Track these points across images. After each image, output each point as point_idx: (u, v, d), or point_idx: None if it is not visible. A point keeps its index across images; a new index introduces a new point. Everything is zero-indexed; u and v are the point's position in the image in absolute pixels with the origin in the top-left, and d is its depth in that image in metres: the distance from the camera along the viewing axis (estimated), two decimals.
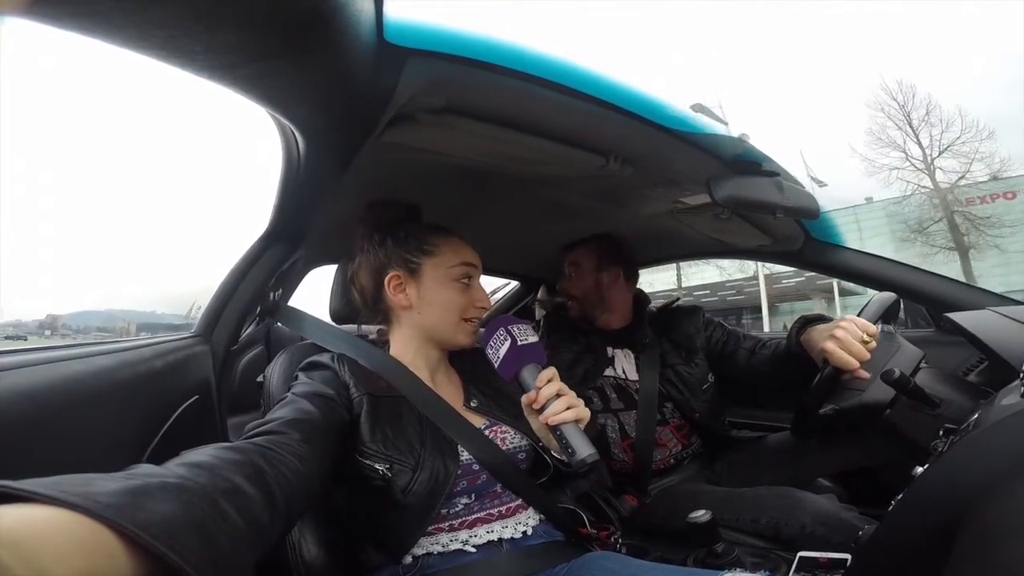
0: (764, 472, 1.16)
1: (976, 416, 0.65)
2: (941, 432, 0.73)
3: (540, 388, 0.73)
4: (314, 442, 0.62)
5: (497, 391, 0.91)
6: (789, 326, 1.15)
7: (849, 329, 0.92)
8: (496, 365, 0.77)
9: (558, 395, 0.72)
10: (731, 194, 0.94)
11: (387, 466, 0.72)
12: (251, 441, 0.56)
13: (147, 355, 0.80)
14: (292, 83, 0.55)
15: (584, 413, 0.72)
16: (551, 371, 0.75)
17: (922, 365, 0.90)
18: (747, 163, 0.93)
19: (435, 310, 0.84)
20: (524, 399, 0.75)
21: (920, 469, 0.64)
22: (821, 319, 1.06)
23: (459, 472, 0.76)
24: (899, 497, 0.63)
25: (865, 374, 0.89)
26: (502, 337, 0.77)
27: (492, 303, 2.32)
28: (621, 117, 0.79)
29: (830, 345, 0.92)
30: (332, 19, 0.46)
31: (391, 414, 0.77)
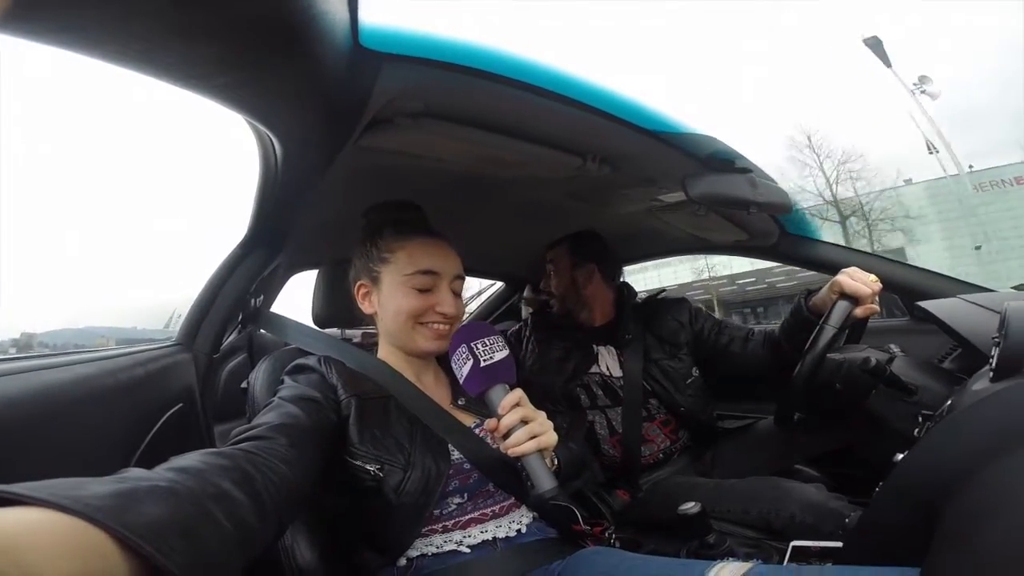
0: (752, 460, 1.19)
1: (949, 402, 0.68)
2: (920, 418, 0.75)
3: (503, 416, 0.68)
4: (301, 446, 0.62)
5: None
6: None
7: (857, 271, 0.99)
8: (461, 382, 0.74)
9: (524, 422, 0.68)
10: (705, 191, 0.96)
11: (377, 467, 0.72)
12: (238, 447, 0.56)
13: (128, 363, 0.79)
14: (269, 91, 0.55)
15: (549, 440, 0.68)
16: (516, 395, 0.70)
17: (897, 353, 0.94)
18: (720, 161, 0.95)
19: (390, 315, 0.84)
20: (486, 424, 0.72)
21: (900, 456, 0.66)
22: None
23: (450, 471, 0.76)
24: (881, 483, 0.65)
25: (876, 308, 0.97)
26: (464, 355, 0.72)
27: (469, 305, 2.33)
28: (597, 118, 0.80)
29: (842, 277, 0.98)
30: (307, 26, 0.46)
31: (380, 415, 0.77)
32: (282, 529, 0.55)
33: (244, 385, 0.93)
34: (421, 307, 0.82)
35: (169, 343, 0.98)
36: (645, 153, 0.95)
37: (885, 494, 0.63)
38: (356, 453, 0.73)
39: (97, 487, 0.36)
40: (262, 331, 1.13)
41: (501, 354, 0.73)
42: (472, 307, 2.33)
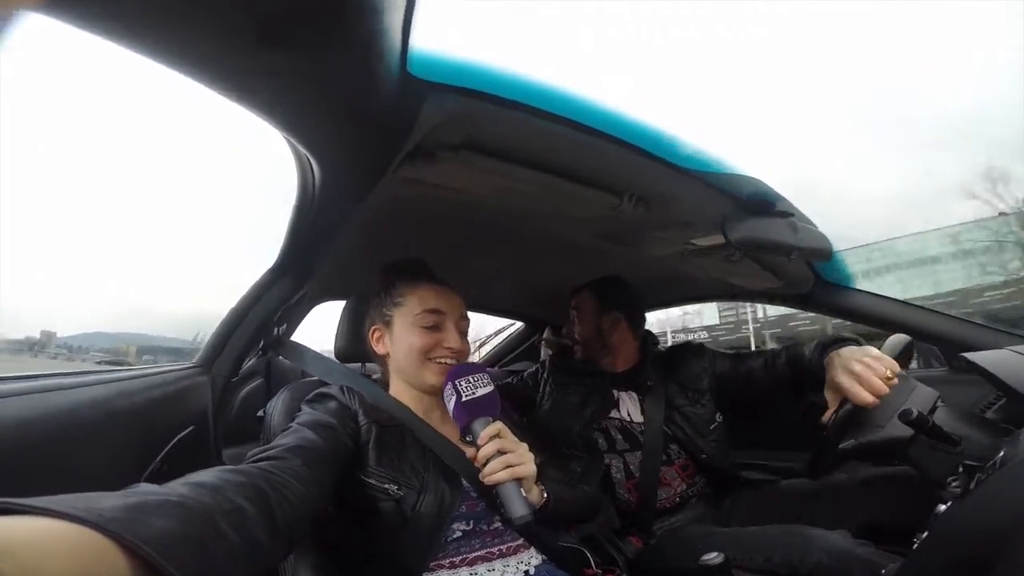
0: (774, 517, 1.12)
1: (1002, 453, 0.65)
2: (961, 469, 0.72)
3: (481, 446, 0.74)
4: (316, 468, 0.64)
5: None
6: None
7: (872, 365, 0.90)
8: (450, 416, 0.79)
9: (501, 452, 0.73)
10: (746, 235, 0.93)
11: (395, 487, 0.75)
12: (255, 465, 0.58)
13: (146, 385, 0.80)
14: (315, 109, 0.55)
15: (525, 472, 0.73)
16: (495, 427, 0.75)
17: (938, 404, 0.90)
18: (761, 203, 0.93)
19: (402, 353, 0.89)
20: (468, 454, 0.78)
21: (943, 507, 0.65)
22: (844, 341, 1.02)
23: (460, 496, 0.79)
24: (924, 534, 0.63)
25: (873, 399, 0.88)
26: (449, 391, 0.78)
27: (486, 345, 2.30)
28: (638, 156, 0.79)
29: (846, 381, 0.90)
30: (359, 49, 0.47)
31: (397, 442, 0.81)
32: (292, 546, 0.56)
33: (260, 414, 0.94)
34: (430, 343, 0.88)
35: (189, 365, 0.99)
36: (683, 193, 0.93)
37: (930, 545, 0.62)
38: (372, 473, 0.76)
39: (108, 500, 0.37)
40: (281, 358, 1.13)
41: (484, 390, 0.79)
42: (487, 348, 2.30)
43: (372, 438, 0.79)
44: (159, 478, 0.67)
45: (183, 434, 0.86)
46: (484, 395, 0.78)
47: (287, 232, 0.93)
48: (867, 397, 0.87)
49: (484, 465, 0.73)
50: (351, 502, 0.75)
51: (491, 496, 0.78)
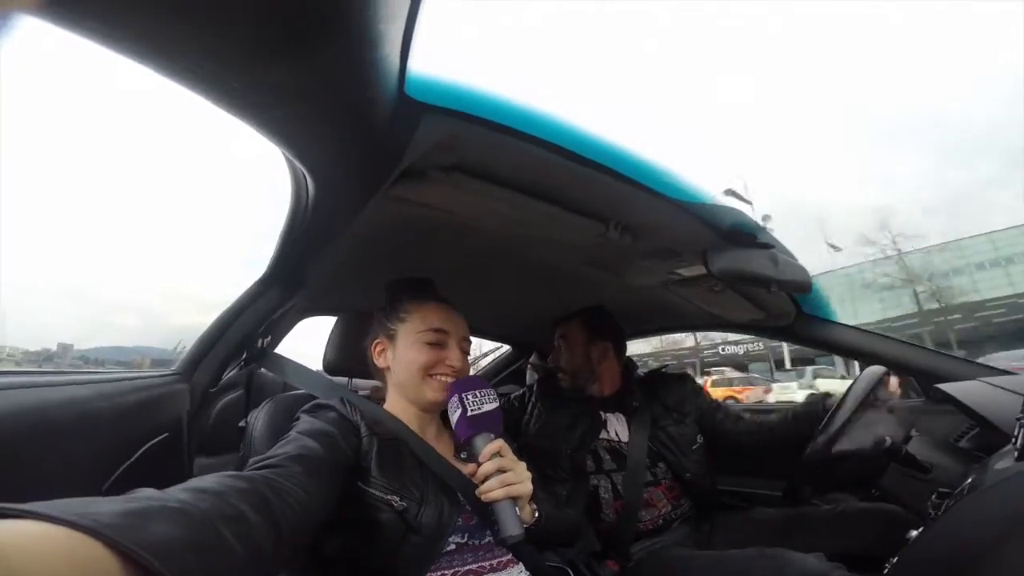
0: (752, 541, 1.12)
1: (970, 480, 0.68)
2: (934, 496, 0.75)
3: (481, 463, 0.74)
4: (318, 476, 0.64)
5: None
6: None
7: None
8: (453, 427, 0.80)
9: (501, 470, 0.73)
10: (727, 266, 0.96)
11: (397, 498, 0.75)
12: (258, 472, 0.58)
13: (124, 389, 0.79)
14: (312, 126, 0.57)
15: (520, 491, 0.73)
16: (497, 445, 0.76)
17: (913, 433, 0.93)
18: (743, 235, 0.96)
19: (403, 367, 0.89)
20: (467, 470, 0.79)
21: (915, 533, 0.66)
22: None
23: (459, 510, 0.80)
24: (895, 560, 0.65)
25: None
26: (455, 405, 0.78)
27: (476, 364, 2.29)
28: (624, 184, 0.82)
29: None
30: (359, 65, 0.48)
31: (396, 455, 0.81)
32: (295, 554, 0.56)
33: (242, 424, 0.93)
34: (432, 360, 0.88)
35: (168, 372, 0.98)
36: (667, 223, 0.96)
37: (900, 570, 0.63)
38: (375, 483, 0.76)
39: (106, 505, 0.36)
40: (263, 371, 1.12)
41: (489, 406, 0.79)
42: (475, 368, 2.29)
43: (374, 450, 0.79)
44: (126, 482, 0.66)
45: (155, 440, 0.85)
46: (489, 411, 0.79)
47: (278, 243, 0.93)
48: None
49: (482, 481, 0.73)
50: (350, 513, 0.74)
51: (484, 512, 0.78)
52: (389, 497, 0.75)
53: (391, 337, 0.92)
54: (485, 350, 2.30)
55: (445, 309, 0.93)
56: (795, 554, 0.93)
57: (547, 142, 0.73)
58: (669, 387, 1.42)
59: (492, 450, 0.75)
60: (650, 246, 1.08)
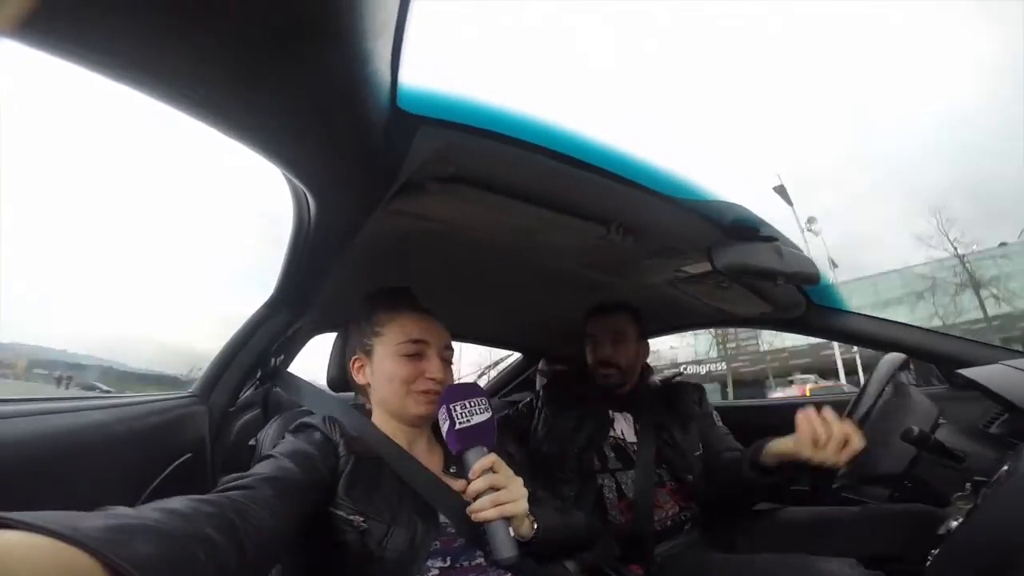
0: (777, 546, 1.11)
1: (1006, 468, 0.66)
2: (969, 485, 0.73)
3: (472, 480, 0.71)
4: (288, 497, 0.63)
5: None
6: None
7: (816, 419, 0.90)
8: (444, 438, 0.77)
9: (494, 488, 0.70)
10: (732, 261, 0.95)
11: (361, 518, 0.72)
12: (226, 495, 0.58)
13: (143, 412, 0.81)
14: (308, 145, 0.58)
15: (514, 510, 0.70)
16: (489, 460, 0.72)
17: (940, 421, 0.91)
18: (746, 229, 0.95)
19: (383, 383, 0.87)
20: (457, 487, 0.75)
21: (954, 523, 0.66)
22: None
23: (436, 533, 0.76)
24: (935, 552, 0.64)
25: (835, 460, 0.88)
26: (443, 417, 0.75)
27: (484, 376, 2.28)
28: (622, 185, 0.82)
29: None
30: (351, 86, 0.49)
31: (372, 474, 0.78)
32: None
33: (252, 442, 0.95)
34: (412, 373, 0.85)
35: (186, 394, 1.00)
36: (668, 222, 0.95)
37: (943, 562, 0.63)
38: (340, 504, 0.73)
39: (88, 520, 0.38)
40: (278, 389, 1.13)
41: (480, 417, 0.75)
42: (484, 379, 2.29)
43: (348, 469, 0.76)
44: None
45: (180, 461, 0.86)
46: (480, 423, 0.74)
47: (283, 265, 0.95)
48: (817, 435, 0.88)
49: (474, 499, 0.70)
50: (317, 533, 0.72)
51: (473, 532, 0.75)
52: (352, 518, 0.72)
53: (368, 352, 0.89)
54: (495, 359, 2.29)
55: (422, 318, 0.90)
56: (823, 559, 0.90)
57: (543, 147, 0.73)
58: (679, 394, 1.41)
59: (483, 466, 0.71)
60: (653, 245, 1.08)
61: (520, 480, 0.74)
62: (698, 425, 1.36)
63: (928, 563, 0.64)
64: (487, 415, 0.76)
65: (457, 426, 0.73)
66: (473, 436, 0.73)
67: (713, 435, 1.34)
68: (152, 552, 0.39)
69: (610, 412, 1.36)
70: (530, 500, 0.78)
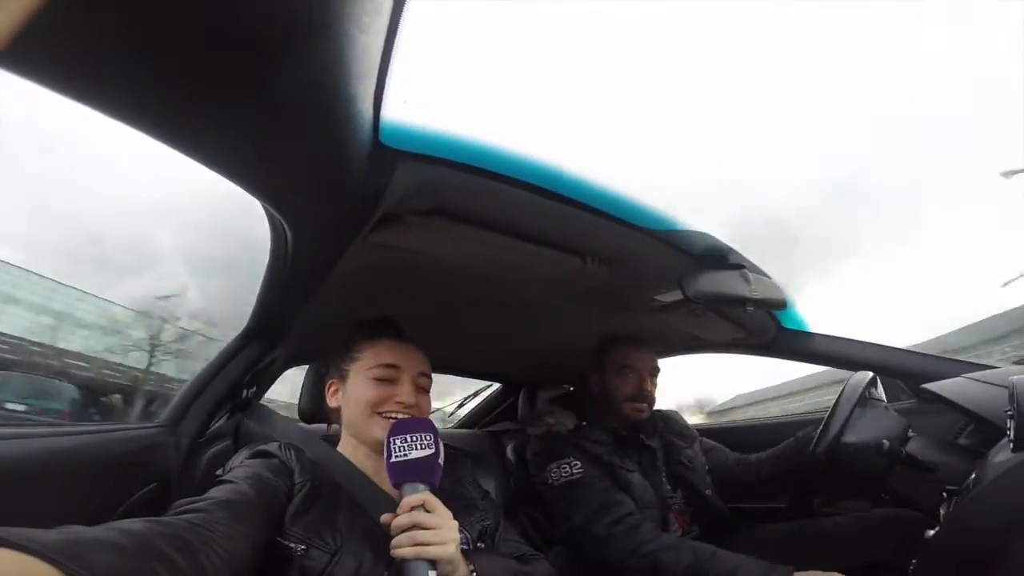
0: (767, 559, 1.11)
1: (973, 476, 0.69)
2: (944, 495, 0.76)
3: (397, 515, 0.69)
4: (243, 521, 0.63)
5: (442, 488, 0.82)
6: None
7: None
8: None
9: (420, 526, 0.67)
10: (702, 289, 0.98)
11: (303, 547, 0.70)
12: (181, 517, 0.58)
13: (109, 440, 0.81)
14: (288, 177, 0.59)
15: (436, 553, 0.66)
16: (418, 498, 0.69)
17: (910, 434, 0.94)
18: (714, 257, 0.99)
19: (352, 406, 0.87)
20: (383, 520, 0.72)
21: (931, 532, 0.68)
22: None
23: (388, 564, 0.71)
24: (915, 561, 0.67)
25: None
26: (386, 449, 0.73)
27: (464, 407, 2.24)
28: (595, 217, 0.85)
29: None
30: (333, 116, 0.51)
31: (326, 502, 0.76)
32: None
33: (219, 472, 0.90)
34: (381, 397, 0.85)
35: (153, 424, 0.98)
36: (641, 251, 0.98)
37: (922, 569, 0.66)
38: (285, 532, 0.71)
39: (48, 535, 0.39)
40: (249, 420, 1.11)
41: (419, 453, 0.73)
42: (463, 410, 2.26)
43: (301, 495, 0.74)
44: None
45: (145, 490, 0.85)
46: (418, 458, 0.72)
47: (259, 295, 0.94)
48: None
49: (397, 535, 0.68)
50: (264, 560, 0.69)
51: (396, 570, 0.70)
52: (292, 545, 0.70)
53: (343, 377, 0.90)
54: (473, 391, 2.26)
55: (399, 345, 0.90)
56: (814, 573, 0.91)
57: (520, 181, 0.76)
58: (674, 422, 1.47)
59: (410, 503, 0.69)
60: (627, 276, 1.10)
61: (454, 524, 0.70)
62: (700, 444, 1.44)
63: (911, 569, 0.67)
64: (427, 451, 0.73)
65: (392, 459, 0.72)
66: (409, 471, 0.72)
67: (715, 450, 1.45)
68: (111, 562, 0.40)
69: (627, 448, 1.31)
70: (477, 548, 0.78)
